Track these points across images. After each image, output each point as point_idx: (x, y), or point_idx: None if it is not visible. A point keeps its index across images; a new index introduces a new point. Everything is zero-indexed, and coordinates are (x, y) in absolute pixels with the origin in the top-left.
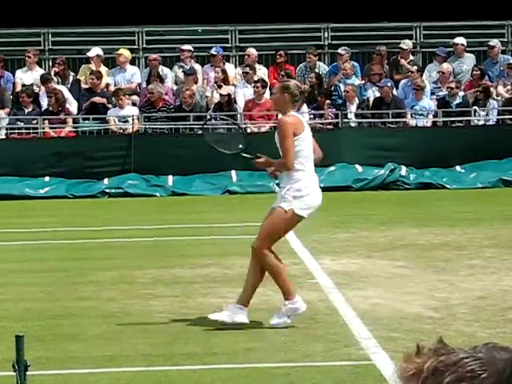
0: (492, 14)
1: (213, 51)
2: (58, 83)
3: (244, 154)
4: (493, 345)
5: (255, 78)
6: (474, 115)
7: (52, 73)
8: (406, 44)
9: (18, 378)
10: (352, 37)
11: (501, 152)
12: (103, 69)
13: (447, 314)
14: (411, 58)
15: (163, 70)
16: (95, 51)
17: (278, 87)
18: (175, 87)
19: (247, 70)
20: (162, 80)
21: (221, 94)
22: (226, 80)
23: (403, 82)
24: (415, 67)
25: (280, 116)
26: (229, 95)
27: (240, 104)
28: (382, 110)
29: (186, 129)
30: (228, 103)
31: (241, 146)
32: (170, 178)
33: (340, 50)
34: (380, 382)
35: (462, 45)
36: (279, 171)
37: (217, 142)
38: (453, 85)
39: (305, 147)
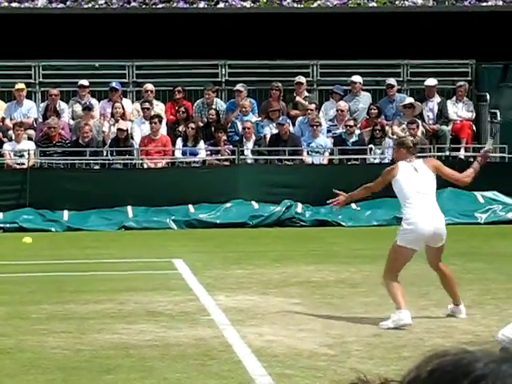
0: (388, 53)
1: (113, 85)
2: None
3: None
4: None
5: (152, 114)
6: (370, 153)
7: None
8: (302, 79)
9: None
10: (249, 73)
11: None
12: None
13: (342, 351)
14: (306, 94)
15: (60, 105)
16: None
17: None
18: (72, 122)
19: (147, 105)
20: (58, 115)
21: (119, 129)
22: (123, 115)
23: (300, 119)
24: (312, 104)
25: None
26: (126, 130)
27: (136, 139)
28: (278, 146)
29: (83, 164)
30: (125, 139)
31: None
32: (66, 212)
33: (238, 87)
34: None
35: (359, 83)
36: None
37: None
38: (351, 123)
39: (403, 187)
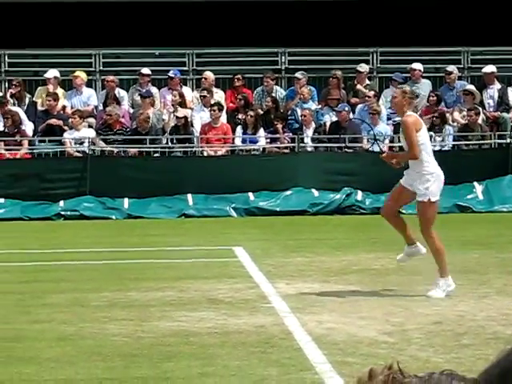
0: (449, 41)
1: (170, 74)
2: (14, 105)
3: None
4: (449, 372)
5: (212, 102)
6: (430, 140)
7: (8, 94)
8: (363, 67)
9: None
10: (309, 61)
11: (456, 178)
12: (60, 91)
13: (402, 339)
14: (367, 82)
15: (120, 93)
16: (52, 73)
17: (399, 91)
18: (132, 110)
19: (205, 93)
20: (118, 102)
21: (177, 117)
22: (183, 103)
23: (360, 106)
24: (372, 92)
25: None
26: (185, 118)
27: (196, 127)
28: (338, 134)
29: (143, 152)
30: (185, 126)
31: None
32: (126, 200)
33: (297, 75)
34: None
35: (419, 70)
36: (402, 163)
37: None
38: None
39: (425, 140)
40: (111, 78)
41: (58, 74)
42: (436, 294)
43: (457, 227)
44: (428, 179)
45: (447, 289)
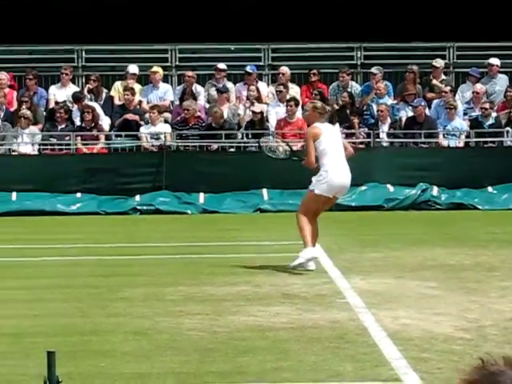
0: None
1: (248, 69)
2: (91, 100)
3: (293, 158)
4: None
5: (288, 97)
6: (507, 136)
7: (86, 89)
8: (439, 62)
9: None
10: (384, 56)
11: None
12: (136, 86)
13: (478, 336)
14: (443, 77)
15: (196, 88)
16: (133, 69)
17: (310, 106)
18: (207, 105)
19: (281, 88)
20: (195, 98)
21: (254, 112)
22: (258, 98)
23: (436, 101)
24: (448, 87)
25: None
26: (261, 113)
27: (272, 123)
28: (414, 129)
29: (218, 147)
30: (260, 121)
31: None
32: (202, 195)
33: (373, 70)
34: None
35: (497, 66)
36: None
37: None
38: (487, 105)
39: (326, 146)
40: (190, 73)
41: (137, 71)
42: (295, 262)
43: None
44: (320, 174)
45: (307, 256)
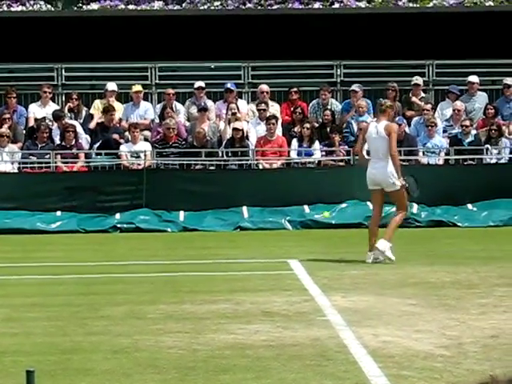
0: (505, 52)
1: (228, 86)
2: (71, 118)
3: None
4: None
5: (267, 115)
6: (487, 154)
7: (66, 108)
8: (418, 80)
9: None
10: (364, 74)
11: None
12: (116, 104)
13: (458, 353)
14: (422, 94)
15: (176, 106)
16: (111, 86)
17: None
18: (187, 123)
19: (263, 106)
20: (173, 116)
21: (234, 129)
22: (238, 116)
23: (415, 119)
24: (429, 105)
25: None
26: (241, 131)
27: (252, 140)
28: None
29: (198, 164)
30: (240, 139)
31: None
32: (182, 213)
33: (354, 87)
34: None
35: (476, 83)
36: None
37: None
38: (467, 123)
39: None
40: (171, 91)
41: (115, 88)
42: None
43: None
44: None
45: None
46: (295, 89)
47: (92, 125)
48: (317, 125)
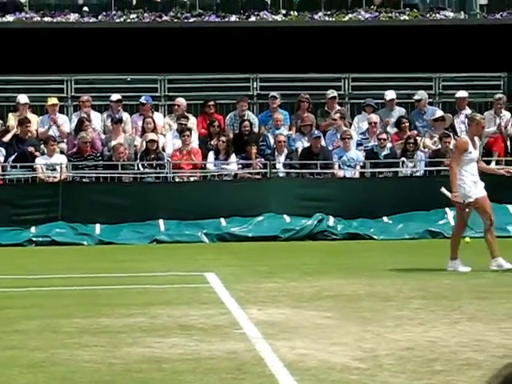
0: (419, 67)
1: (142, 100)
2: None
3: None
4: None
5: (184, 128)
6: (402, 166)
7: None
8: (333, 93)
9: None
10: (281, 87)
11: (428, 203)
12: (32, 116)
13: (374, 365)
14: (338, 108)
15: (92, 118)
16: (24, 99)
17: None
18: (103, 136)
19: (184, 121)
20: (88, 128)
21: (149, 140)
22: (154, 129)
23: (329, 132)
24: (344, 118)
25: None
26: (157, 144)
27: (168, 153)
28: (310, 160)
29: (115, 177)
30: (156, 152)
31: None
32: (98, 226)
33: (273, 94)
34: None
35: (393, 99)
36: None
37: None
38: (384, 136)
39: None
40: (86, 97)
41: (27, 100)
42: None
43: (428, 253)
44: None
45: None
46: (212, 102)
47: (6, 138)
48: (231, 136)
